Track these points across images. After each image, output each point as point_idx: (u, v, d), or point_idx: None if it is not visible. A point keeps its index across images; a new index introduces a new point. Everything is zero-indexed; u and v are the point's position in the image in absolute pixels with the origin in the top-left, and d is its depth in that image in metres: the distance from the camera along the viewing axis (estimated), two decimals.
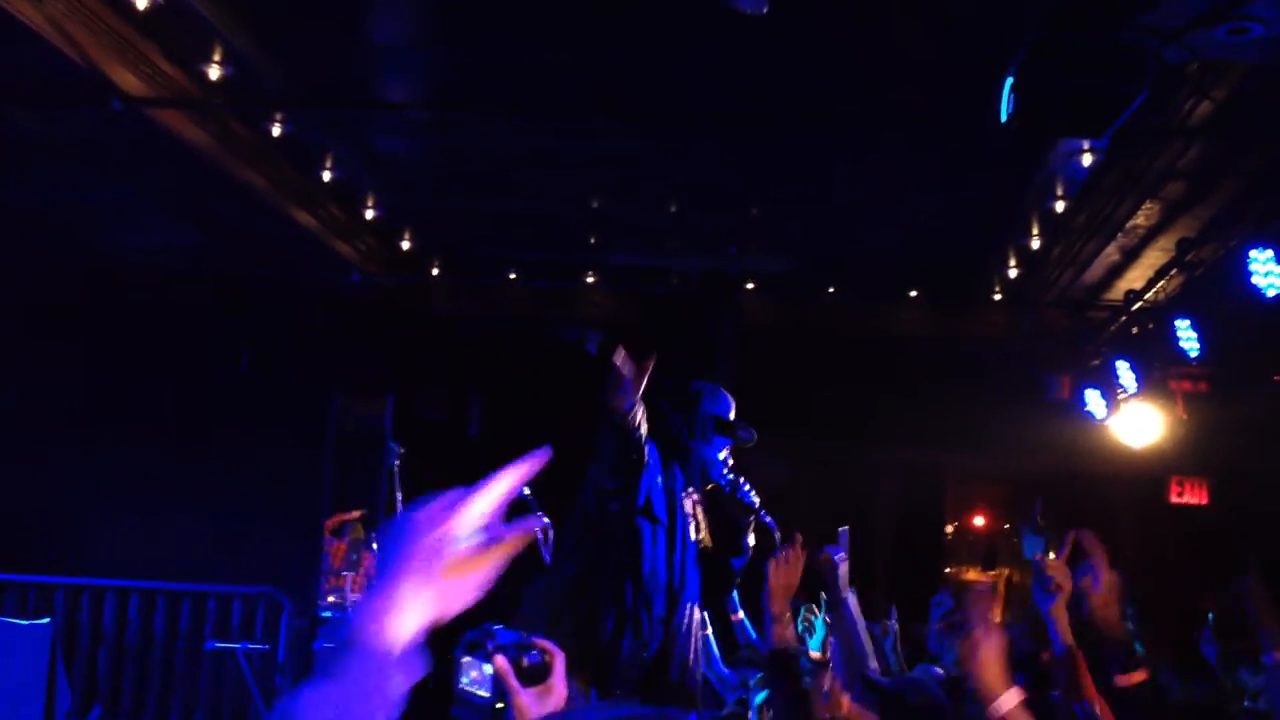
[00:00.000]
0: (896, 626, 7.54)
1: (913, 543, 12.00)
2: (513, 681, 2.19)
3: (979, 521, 13.78)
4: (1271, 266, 6.33)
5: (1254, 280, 6.38)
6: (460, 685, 2.31)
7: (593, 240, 9.10)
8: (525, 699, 2.16)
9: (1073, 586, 2.73)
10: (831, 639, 4.77)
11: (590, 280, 9.73)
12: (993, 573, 12.96)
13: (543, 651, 2.25)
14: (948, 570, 13.05)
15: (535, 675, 2.21)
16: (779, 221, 8.75)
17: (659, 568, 4.93)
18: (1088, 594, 2.66)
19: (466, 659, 2.30)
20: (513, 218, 8.86)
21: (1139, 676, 2.63)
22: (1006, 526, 13.57)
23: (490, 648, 2.25)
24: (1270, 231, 6.41)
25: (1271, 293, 6.40)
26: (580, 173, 7.97)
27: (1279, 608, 3.33)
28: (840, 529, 4.67)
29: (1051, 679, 4.15)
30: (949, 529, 13.36)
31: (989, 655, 2.50)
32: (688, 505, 5.12)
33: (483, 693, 2.26)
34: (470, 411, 9.94)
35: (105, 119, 6.38)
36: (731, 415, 5.22)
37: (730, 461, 5.34)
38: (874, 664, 5.17)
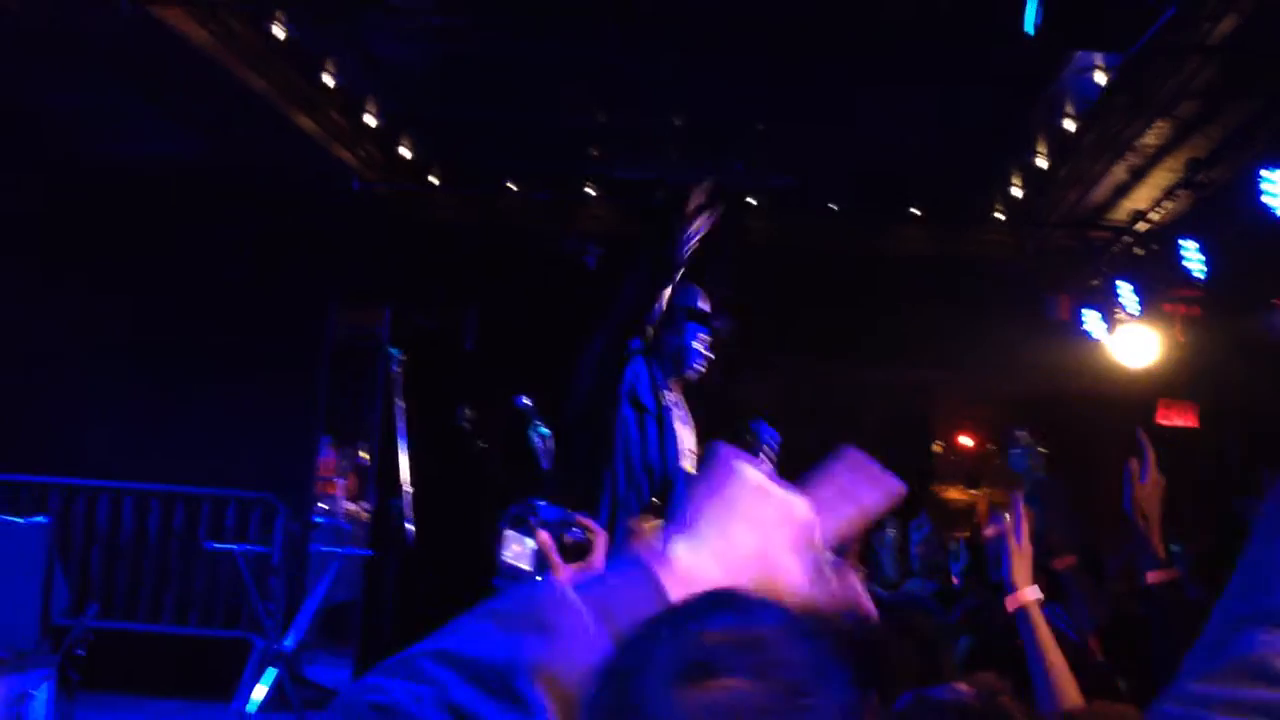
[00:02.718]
0: (894, 535, 7.64)
1: (901, 460, 12.06)
2: (555, 557, 2.20)
3: (966, 441, 13.87)
4: (1278, 187, 6.32)
5: (1265, 200, 6.37)
6: (503, 558, 2.31)
7: (594, 153, 9.00)
8: (567, 575, 2.17)
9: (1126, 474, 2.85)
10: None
11: (591, 193, 9.64)
12: (975, 492, 13.10)
13: (585, 529, 2.26)
14: (933, 488, 13.16)
15: (578, 552, 2.23)
16: (782, 137, 8.68)
17: (650, 454, 5.01)
18: (1133, 482, 2.73)
19: (510, 532, 2.31)
20: (514, 127, 8.76)
21: (1168, 575, 2.69)
22: (991, 447, 13.66)
23: (534, 523, 2.25)
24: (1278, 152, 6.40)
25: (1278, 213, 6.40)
26: (584, 83, 7.87)
27: None
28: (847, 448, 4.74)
29: (1065, 587, 4.22)
30: (937, 447, 13.44)
31: (1019, 560, 2.67)
32: (670, 395, 5.19)
33: (525, 566, 2.27)
34: (466, 323, 9.91)
35: (107, 15, 6.26)
36: (702, 305, 5.22)
37: (708, 353, 5.35)
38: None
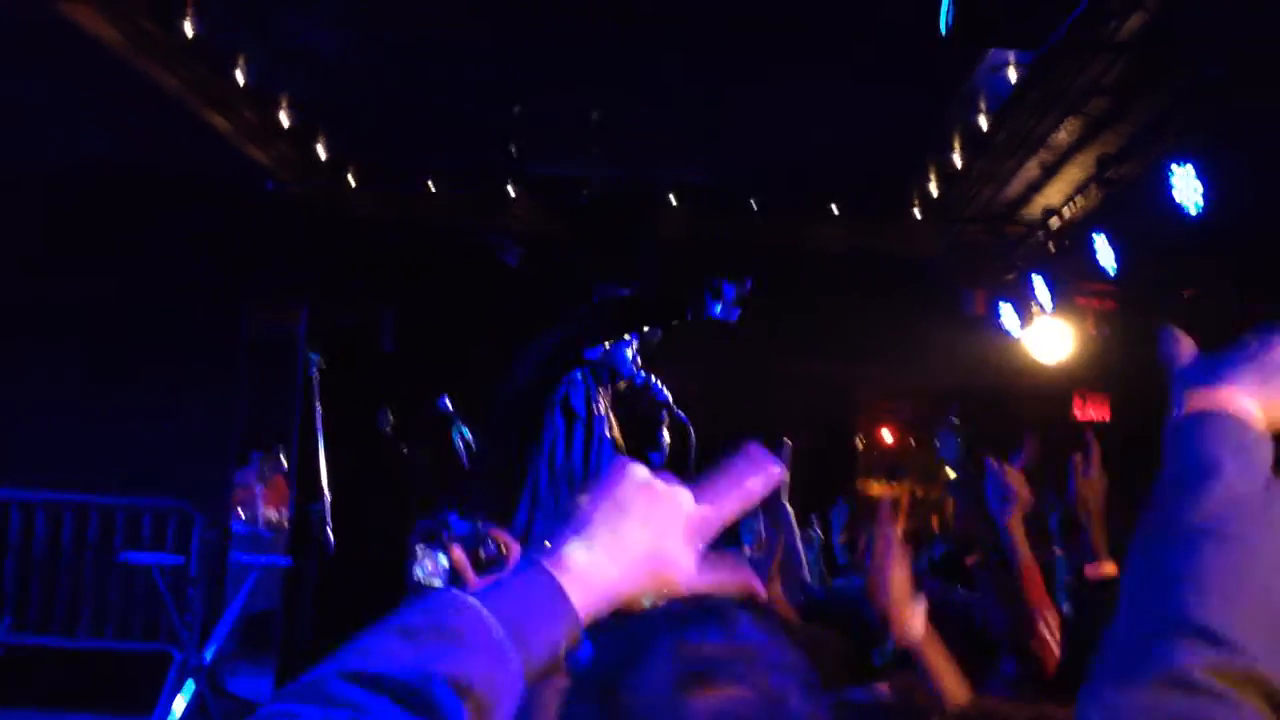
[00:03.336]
0: (820, 535, 7.68)
1: (823, 455, 12.17)
2: (470, 575, 2.15)
3: (887, 435, 14.01)
4: (1193, 182, 6.44)
5: (1175, 196, 6.50)
6: (415, 576, 2.27)
7: (514, 149, 8.94)
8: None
9: (1070, 469, 2.82)
10: (769, 544, 4.85)
11: (511, 189, 9.58)
12: (896, 485, 13.25)
13: (499, 543, 2.21)
14: (855, 482, 13.29)
15: (491, 567, 2.18)
16: (702, 132, 8.69)
17: (575, 460, 5.03)
18: (1076, 475, 2.73)
19: (421, 548, 2.26)
20: (432, 123, 8.67)
21: (1108, 570, 2.70)
22: (912, 441, 13.82)
23: (446, 538, 2.21)
24: (1191, 147, 6.52)
25: (1191, 209, 6.53)
26: (503, 78, 7.82)
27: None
28: (783, 443, 4.79)
29: (978, 582, 4.25)
30: (858, 442, 13.57)
31: (895, 580, 2.50)
32: (602, 405, 5.21)
33: (438, 583, 2.23)
34: (385, 324, 9.81)
35: (13, 13, 6.09)
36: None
37: (638, 360, 5.39)
38: (807, 573, 5.27)
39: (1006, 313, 9.46)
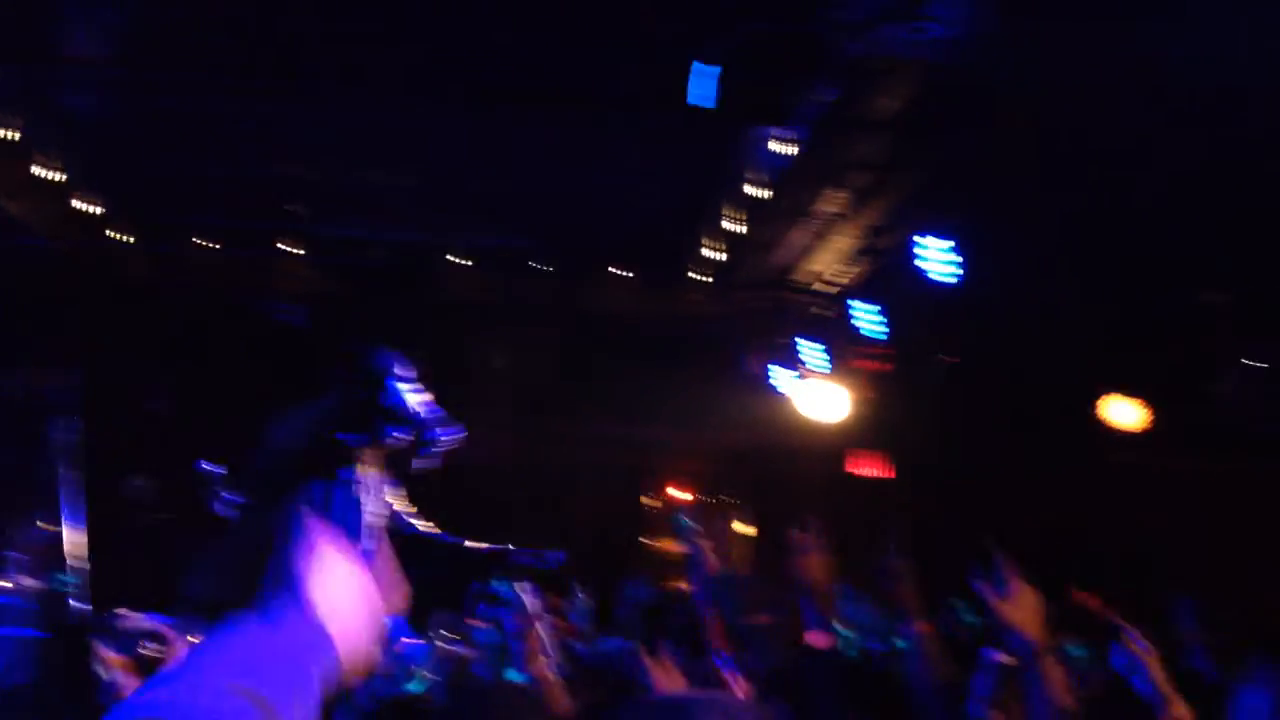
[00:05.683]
0: (584, 599, 7.73)
1: (612, 515, 12.24)
2: (124, 676, 2.09)
3: (677, 494, 14.15)
4: (943, 255, 6.78)
5: (925, 267, 6.82)
6: (95, 670, 2.20)
7: (293, 209, 8.80)
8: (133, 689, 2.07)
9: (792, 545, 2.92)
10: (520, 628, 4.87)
11: (291, 250, 9.41)
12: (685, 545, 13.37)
13: (160, 639, 2.16)
14: (643, 540, 13.38)
15: (152, 666, 2.13)
16: (489, 195, 8.73)
17: (333, 522, 4.93)
18: (799, 552, 2.82)
19: (98, 643, 2.20)
20: (206, 183, 8.47)
21: (827, 640, 2.79)
22: (704, 499, 14.00)
23: (116, 632, 2.15)
24: (944, 222, 6.88)
25: (944, 279, 6.87)
26: (279, 139, 7.71)
27: (917, 583, 3.50)
28: (554, 554, 4.89)
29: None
30: (650, 501, 13.66)
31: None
32: (361, 468, 5.12)
33: (116, 679, 2.16)
34: (157, 386, 9.47)
35: None
36: (400, 373, 5.20)
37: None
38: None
39: (781, 375, 9.73)
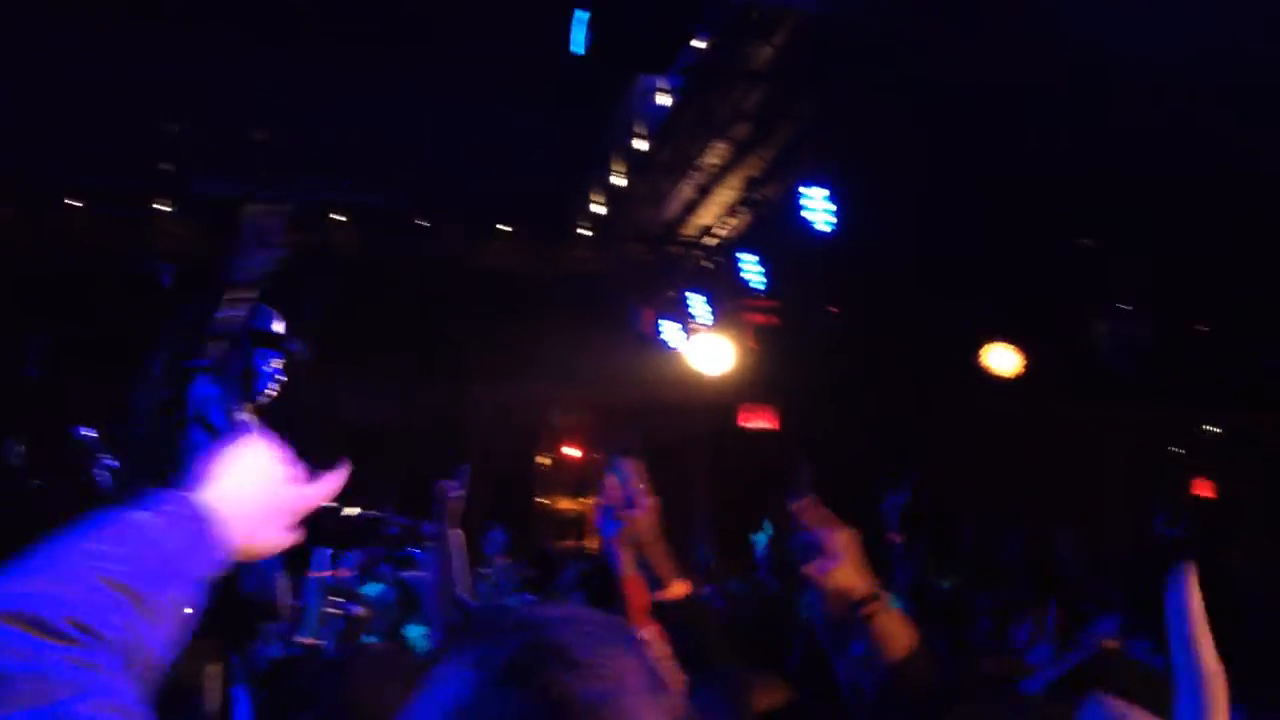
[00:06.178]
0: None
1: (507, 474, 12.21)
2: None
3: (571, 451, 14.17)
4: (823, 204, 6.85)
5: (807, 217, 6.88)
6: None
7: (166, 166, 8.56)
8: None
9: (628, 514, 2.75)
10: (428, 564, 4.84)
11: (165, 209, 9.15)
12: (583, 501, 13.41)
13: None
14: (538, 499, 13.40)
15: None
16: (370, 153, 8.57)
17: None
18: (630, 519, 2.69)
19: None
20: (74, 140, 8.18)
21: (678, 591, 2.74)
22: (596, 456, 14.04)
23: None
24: (822, 172, 6.93)
25: (824, 229, 6.94)
26: (152, 93, 7.47)
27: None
28: (461, 465, 4.78)
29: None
30: (544, 459, 13.67)
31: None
32: (244, 417, 5.03)
33: None
34: (31, 349, 9.18)
35: None
36: (275, 328, 5.09)
37: (283, 376, 5.21)
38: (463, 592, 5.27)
39: (668, 329, 9.77)
